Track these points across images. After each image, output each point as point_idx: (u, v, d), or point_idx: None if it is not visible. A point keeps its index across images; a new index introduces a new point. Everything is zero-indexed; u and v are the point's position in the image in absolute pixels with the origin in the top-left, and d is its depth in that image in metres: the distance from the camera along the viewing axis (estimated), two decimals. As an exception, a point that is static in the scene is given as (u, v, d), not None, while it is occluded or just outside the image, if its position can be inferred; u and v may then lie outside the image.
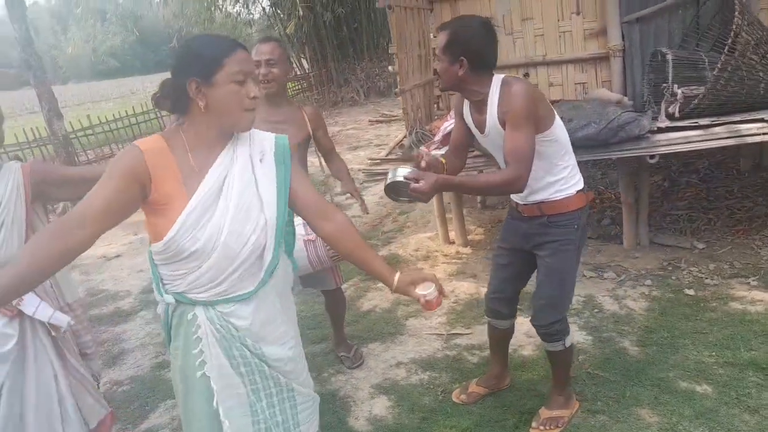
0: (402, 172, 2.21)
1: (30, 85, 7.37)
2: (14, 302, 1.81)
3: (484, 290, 3.93)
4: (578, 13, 4.17)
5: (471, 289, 4.03)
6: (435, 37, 4.64)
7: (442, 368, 3.16)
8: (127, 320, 4.32)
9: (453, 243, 4.78)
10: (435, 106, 4.57)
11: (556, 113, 2.34)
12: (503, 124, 2.24)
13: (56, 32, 52.88)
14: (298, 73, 14.65)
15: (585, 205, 2.42)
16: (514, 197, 2.52)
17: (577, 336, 3.29)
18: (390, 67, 4.03)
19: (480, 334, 3.47)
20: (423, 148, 3.33)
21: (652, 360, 2.98)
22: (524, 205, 2.47)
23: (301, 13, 12.06)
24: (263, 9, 14.84)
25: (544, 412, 2.63)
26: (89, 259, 5.87)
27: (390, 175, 2.22)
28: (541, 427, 2.59)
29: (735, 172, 5.38)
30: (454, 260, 4.52)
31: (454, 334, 3.49)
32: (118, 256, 5.90)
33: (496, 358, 2.92)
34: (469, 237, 4.83)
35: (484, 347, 3.32)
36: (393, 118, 10.26)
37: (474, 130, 2.45)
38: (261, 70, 2.67)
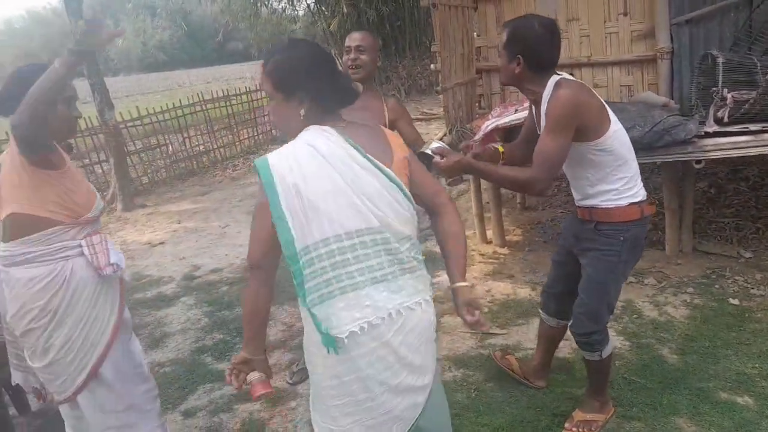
0: (433, 146, 2.33)
1: (83, 76, 7.60)
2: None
3: (520, 291, 3.99)
4: (626, 14, 4.11)
5: (507, 289, 4.02)
6: (478, 36, 4.64)
7: (476, 367, 3.17)
8: (170, 305, 4.44)
9: (490, 242, 4.76)
10: (477, 104, 4.56)
11: (613, 123, 2.27)
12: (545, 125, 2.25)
13: (107, 26, 54.44)
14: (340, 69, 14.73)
15: (638, 218, 2.32)
16: (575, 196, 2.50)
17: (614, 341, 3.24)
18: (432, 65, 4.04)
19: (515, 334, 3.46)
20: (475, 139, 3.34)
21: (691, 369, 2.93)
22: (578, 207, 2.47)
23: (345, 10, 12.13)
24: (308, 5, 14.97)
25: (578, 415, 2.62)
26: (135, 245, 6.06)
27: (424, 147, 2.35)
28: (574, 429, 2.57)
29: (787, 181, 5.21)
30: (491, 260, 4.51)
31: (488, 333, 3.48)
32: (162, 243, 6.06)
33: (538, 352, 2.93)
34: (507, 237, 4.81)
35: (519, 348, 3.32)
36: (433, 117, 10.26)
37: (537, 127, 2.45)
38: (351, 56, 2.82)
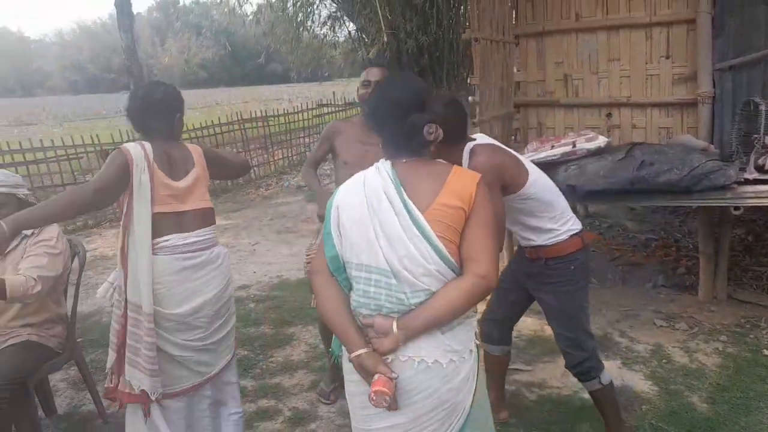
0: None
1: (129, 90, 7.85)
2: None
3: (547, 328, 3.91)
4: (668, 57, 4.11)
5: (534, 325, 3.97)
6: (518, 71, 4.68)
7: (504, 405, 3.12)
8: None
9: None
10: (512, 138, 4.58)
11: (531, 172, 2.37)
12: None
13: (154, 43, 56.43)
14: (377, 96, 14.93)
15: (582, 247, 2.45)
16: (519, 240, 2.59)
17: (642, 385, 3.20)
18: (470, 98, 4.08)
19: (540, 371, 3.43)
20: None
21: (722, 419, 2.85)
22: (526, 248, 2.56)
23: (385, 39, 12.31)
24: (349, 33, 15.25)
25: None
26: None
27: None
28: None
29: (826, 232, 5.09)
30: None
31: (514, 369, 3.44)
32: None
33: (491, 385, 2.88)
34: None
35: (545, 386, 3.28)
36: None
37: None
38: (369, 90, 2.83)
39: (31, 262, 2.62)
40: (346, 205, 1.70)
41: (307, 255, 3.00)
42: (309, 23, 15.54)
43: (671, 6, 4.05)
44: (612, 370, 3.35)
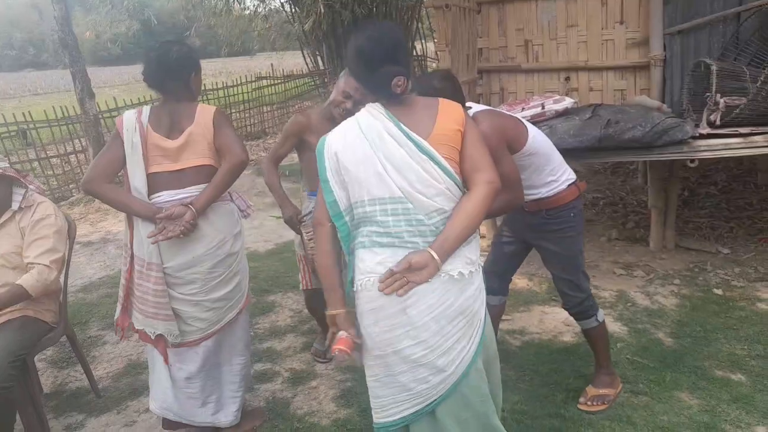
0: None
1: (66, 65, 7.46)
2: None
3: (518, 281, 4.17)
4: (622, 23, 4.36)
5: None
6: (480, 37, 4.83)
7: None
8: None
9: (483, 237, 4.94)
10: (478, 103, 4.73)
11: (529, 129, 2.54)
12: None
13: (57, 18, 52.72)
14: (312, 69, 14.79)
15: (579, 195, 2.65)
16: None
17: (613, 326, 3.47)
18: (434, 64, 4.19)
19: (519, 320, 3.65)
20: None
21: (687, 350, 3.16)
22: (526, 202, 2.66)
23: (322, 10, 12.17)
24: (281, 4, 14.94)
25: (591, 390, 2.81)
26: (121, 234, 5.99)
27: None
28: (589, 403, 2.76)
29: (753, 186, 5.59)
30: (486, 253, 4.67)
31: (495, 319, 3.65)
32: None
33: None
34: (500, 232, 5.01)
35: (525, 332, 3.50)
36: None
37: None
38: (346, 103, 2.73)
39: (38, 248, 2.59)
40: (346, 148, 1.80)
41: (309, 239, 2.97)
42: (239, -6, 15.16)
43: (622, -26, 4.30)
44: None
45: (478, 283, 1.83)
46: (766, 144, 3.49)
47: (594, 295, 3.79)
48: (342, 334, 1.79)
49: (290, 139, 3.01)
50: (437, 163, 1.74)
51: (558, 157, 2.64)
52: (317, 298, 3.20)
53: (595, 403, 2.76)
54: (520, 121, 2.57)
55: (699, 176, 6.01)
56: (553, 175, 2.59)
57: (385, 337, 1.77)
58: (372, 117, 1.81)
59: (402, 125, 1.77)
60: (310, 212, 3.05)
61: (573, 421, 2.66)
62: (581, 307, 2.72)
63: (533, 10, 4.56)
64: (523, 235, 2.79)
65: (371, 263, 1.76)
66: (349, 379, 3.13)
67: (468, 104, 2.51)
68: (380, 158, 1.75)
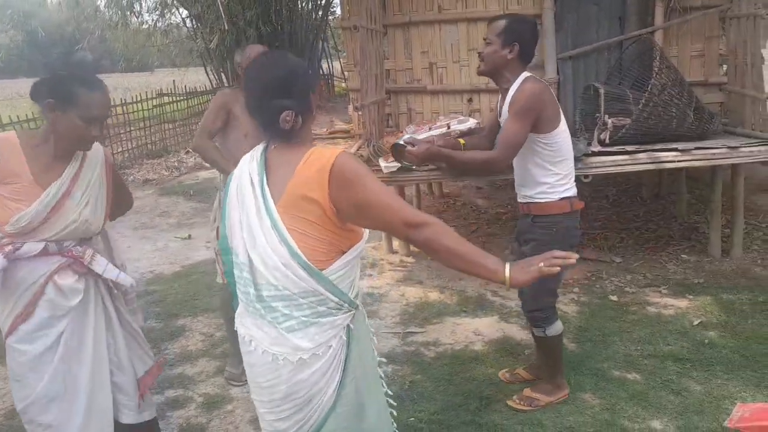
0: (405, 137, 2.77)
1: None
2: (86, 261, 2.09)
3: (430, 294, 4.30)
4: (519, 48, 4.63)
5: (419, 293, 4.30)
6: (387, 59, 4.95)
7: (403, 362, 3.39)
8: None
9: (396, 252, 5.04)
10: (386, 123, 4.85)
11: (562, 123, 2.64)
12: (509, 112, 2.59)
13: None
14: (216, 85, 14.49)
15: (568, 212, 2.66)
16: (517, 193, 2.84)
17: (520, 334, 3.64)
18: (344, 84, 4.27)
19: (433, 332, 3.74)
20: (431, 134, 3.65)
21: (588, 354, 3.37)
22: (519, 203, 2.82)
23: (225, 27, 12.02)
24: (183, 20, 14.58)
25: (527, 391, 2.95)
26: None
27: (398, 138, 2.74)
28: (517, 401, 2.91)
29: (639, 199, 6.08)
30: (399, 268, 4.78)
31: (409, 332, 3.73)
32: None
33: (537, 349, 3.14)
34: (412, 247, 5.12)
35: (439, 343, 3.59)
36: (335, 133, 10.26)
37: (498, 117, 2.80)
38: None
39: None
40: (231, 189, 1.70)
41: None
42: (137, 7, 14.67)
43: (520, 2, 4.58)
44: (492, 324, 3.79)
45: (320, 365, 1.60)
46: (649, 161, 3.82)
47: (501, 305, 4.03)
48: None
49: (221, 113, 3.00)
50: (279, 232, 1.54)
51: (569, 166, 2.66)
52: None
53: (522, 403, 2.90)
54: (561, 113, 2.63)
55: (591, 191, 6.44)
56: (555, 178, 2.61)
57: (251, 384, 1.75)
58: (249, 159, 1.67)
59: (264, 178, 1.60)
60: None
61: (488, 428, 2.76)
62: (532, 315, 2.83)
63: (437, 33, 4.75)
64: (517, 238, 2.89)
65: (237, 311, 1.75)
66: (266, 400, 3.07)
67: (524, 73, 2.59)
68: (240, 211, 1.62)
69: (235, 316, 1.76)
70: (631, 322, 3.70)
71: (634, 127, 3.86)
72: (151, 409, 2.41)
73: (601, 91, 3.86)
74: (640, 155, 3.85)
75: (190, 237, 5.99)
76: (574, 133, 4.26)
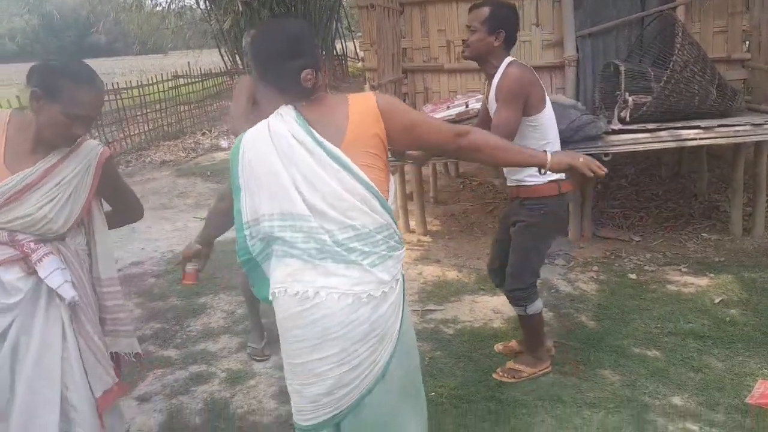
0: None
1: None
2: (33, 260, 1.88)
3: (448, 273, 4.31)
4: (537, 25, 4.59)
5: (437, 272, 4.32)
6: (403, 38, 4.92)
7: (423, 339, 3.41)
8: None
9: (413, 231, 5.06)
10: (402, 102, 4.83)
11: (547, 105, 2.68)
12: (496, 99, 2.59)
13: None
14: (230, 67, 14.51)
15: (556, 194, 2.67)
16: (506, 179, 2.85)
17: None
18: (360, 63, 4.25)
19: (451, 310, 3.76)
20: None
21: (607, 331, 3.38)
22: (509, 187, 2.84)
23: (239, 8, 12.00)
24: (196, 2, 14.57)
25: (510, 363, 3.02)
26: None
27: None
28: (501, 373, 2.97)
29: (658, 178, 6.03)
30: (416, 247, 4.80)
31: (428, 309, 3.76)
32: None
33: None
34: (429, 226, 5.14)
35: (457, 321, 3.62)
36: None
37: (487, 104, 2.80)
38: None
39: None
40: (257, 157, 1.69)
41: None
42: (151, -11, 14.69)
43: (538, -21, 4.53)
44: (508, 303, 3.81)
45: (394, 299, 1.72)
46: (670, 139, 3.79)
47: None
48: (190, 267, 2.01)
49: (248, 97, 2.99)
50: (351, 173, 1.62)
51: (557, 148, 2.66)
52: None
53: (505, 375, 2.96)
54: (545, 94, 2.66)
55: (610, 170, 6.37)
56: None
57: (295, 347, 1.71)
58: (281, 122, 1.69)
59: (312, 130, 1.65)
60: None
61: (508, 403, 2.79)
62: (513, 294, 2.87)
63: (454, 11, 4.71)
64: (505, 221, 2.90)
65: (282, 274, 1.69)
66: (289, 376, 3.12)
67: (508, 58, 2.60)
68: (289, 170, 1.63)
69: (283, 278, 1.69)
70: (650, 300, 3.70)
71: (655, 104, 3.82)
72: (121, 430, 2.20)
73: (622, 68, 3.82)
74: (662, 133, 3.82)
75: (208, 217, 6.04)
76: (593, 112, 4.25)
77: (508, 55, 2.64)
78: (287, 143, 1.65)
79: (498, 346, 3.26)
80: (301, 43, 1.70)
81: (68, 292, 1.93)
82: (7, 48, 50.42)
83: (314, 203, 1.62)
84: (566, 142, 3.82)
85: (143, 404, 2.98)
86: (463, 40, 2.70)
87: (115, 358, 2.19)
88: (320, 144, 1.63)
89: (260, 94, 3.05)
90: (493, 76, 2.64)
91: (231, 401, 2.95)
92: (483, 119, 2.94)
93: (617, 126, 3.86)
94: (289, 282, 1.67)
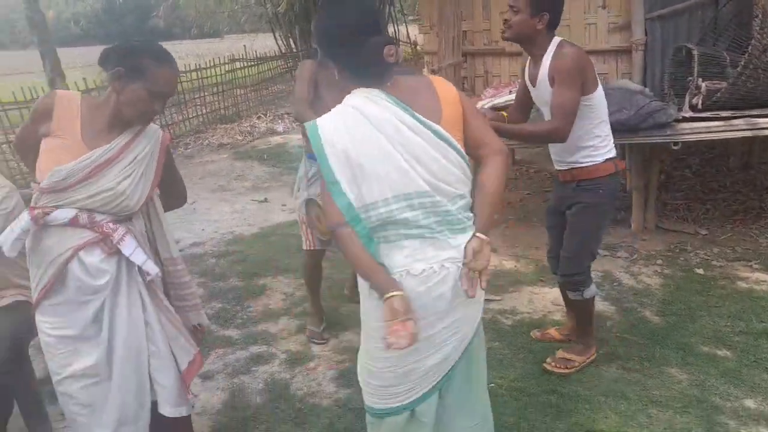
0: None
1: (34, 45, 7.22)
2: (115, 240, 1.95)
3: (506, 263, 4.25)
4: (604, 8, 4.43)
5: (494, 261, 4.26)
6: (464, 21, 4.84)
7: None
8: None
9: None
10: (462, 86, 4.77)
11: (600, 84, 2.62)
12: (551, 80, 2.53)
13: (15, -5, 50.76)
14: (285, 51, 14.62)
15: (613, 172, 2.66)
16: (555, 165, 2.82)
17: (600, 305, 3.56)
18: (418, 47, 4.20)
19: (509, 300, 3.71)
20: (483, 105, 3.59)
21: (673, 327, 3.27)
22: (560, 170, 2.78)
23: (294, -9, 12.04)
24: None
25: (560, 353, 2.97)
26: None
27: None
28: (553, 363, 2.92)
29: (725, 169, 5.76)
30: (473, 235, 4.74)
31: (486, 299, 3.69)
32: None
33: (569, 312, 3.19)
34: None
35: (516, 312, 3.57)
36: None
37: (528, 84, 2.74)
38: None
39: None
40: (358, 144, 1.66)
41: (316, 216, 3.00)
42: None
43: (605, -41, 4.37)
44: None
45: None
46: (746, 127, 3.61)
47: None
48: (402, 319, 1.60)
49: (310, 83, 3.01)
50: (454, 148, 1.69)
51: (608, 128, 2.67)
52: (318, 259, 3.36)
53: (558, 365, 2.92)
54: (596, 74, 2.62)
55: (673, 159, 6.16)
56: (597, 140, 2.61)
57: (421, 324, 1.69)
58: (377, 106, 1.67)
59: (415, 112, 1.67)
60: (314, 175, 3.10)
61: (569, 397, 2.74)
62: (571, 279, 2.82)
63: (518, -7, 4.58)
64: (558, 207, 2.85)
65: (400, 257, 1.70)
66: (347, 359, 3.15)
67: (556, 38, 2.55)
68: (401, 152, 1.64)
69: (403, 261, 1.70)
70: (719, 297, 3.55)
71: (729, 91, 3.64)
72: (188, 405, 2.26)
73: (695, 52, 3.65)
74: (737, 121, 3.64)
75: (266, 200, 6.14)
76: (662, 98, 4.08)
77: (554, 35, 2.56)
78: (393, 126, 1.65)
79: (535, 333, 3.24)
80: (379, 18, 1.70)
81: (153, 268, 2.03)
82: (71, 32, 52.20)
83: (429, 179, 1.66)
84: (634, 129, 3.70)
85: (206, 381, 3.06)
86: (504, 20, 2.60)
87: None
88: (425, 124, 1.67)
89: (323, 77, 3.04)
90: (540, 57, 2.57)
91: (291, 383, 3.00)
92: (520, 100, 2.88)
93: (688, 113, 3.70)
94: (410, 263, 1.70)
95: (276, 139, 9.18)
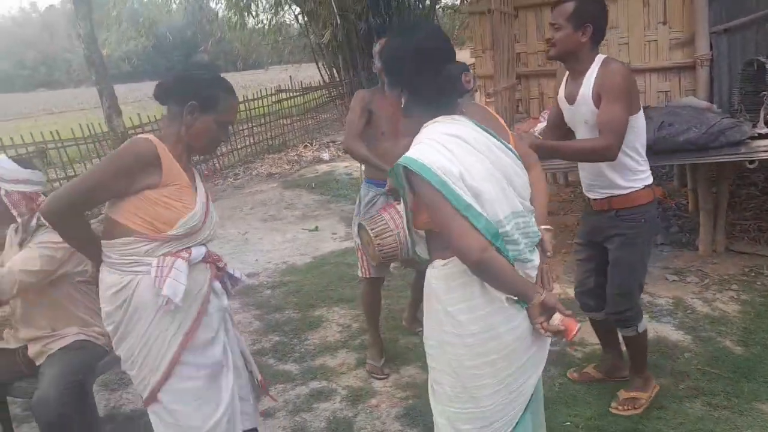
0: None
1: (92, 82, 7.47)
2: (222, 263, 2.12)
3: (569, 290, 4.05)
4: (665, 23, 4.27)
5: (556, 288, 4.10)
6: (518, 42, 4.75)
7: (550, 362, 3.16)
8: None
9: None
10: (516, 108, 4.67)
11: (641, 105, 2.50)
12: (596, 98, 2.40)
13: (70, 36, 53.29)
14: (328, 81, 14.80)
15: (653, 200, 2.55)
16: (586, 192, 2.68)
17: (675, 335, 3.36)
18: (471, 71, 4.12)
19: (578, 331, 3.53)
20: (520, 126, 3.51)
21: (759, 359, 3.05)
22: (594, 200, 2.62)
23: (338, 21, 12.21)
24: (295, 17, 15.01)
25: (623, 393, 2.78)
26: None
27: None
28: (620, 407, 2.73)
29: (796, 186, 5.47)
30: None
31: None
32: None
33: (605, 347, 3.03)
34: (543, 240, 4.91)
35: (585, 344, 3.40)
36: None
37: (562, 103, 2.61)
38: None
39: (20, 256, 2.38)
40: (469, 168, 1.64)
41: (371, 229, 2.90)
42: (253, 7, 15.27)
43: (667, -26, 4.22)
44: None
45: None
46: (827, 142, 3.39)
47: (650, 303, 3.75)
48: (558, 318, 1.67)
49: (363, 113, 3.05)
50: (522, 168, 1.78)
51: (644, 150, 2.55)
52: (377, 288, 3.31)
53: (626, 407, 2.74)
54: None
55: (736, 177, 5.88)
56: (636, 166, 2.49)
57: (521, 347, 1.76)
58: (474, 131, 1.70)
59: (498, 136, 1.74)
60: (370, 200, 3.12)
61: (653, 436, 2.56)
62: (622, 316, 2.66)
63: (572, 13, 4.48)
64: (596, 241, 2.70)
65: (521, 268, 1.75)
66: (410, 396, 3.04)
67: (600, 55, 2.45)
68: (501, 172, 1.71)
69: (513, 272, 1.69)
70: (807, 324, 3.31)
71: (808, 105, 3.43)
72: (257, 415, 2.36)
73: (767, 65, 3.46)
74: (816, 136, 3.42)
75: (317, 229, 6.11)
76: (731, 115, 3.89)
77: (598, 51, 2.45)
78: (489, 149, 1.70)
79: (572, 374, 3.06)
80: (450, 48, 1.72)
81: (242, 275, 2.24)
82: (121, 69, 54.35)
83: (519, 198, 1.74)
84: (704, 148, 3.52)
85: (268, 420, 2.98)
86: (547, 39, 2.51)
87: None
88: (508, 146, 1.74)
89: (378, 106, 3.03)
90: (581, 73, 2.46)
91: (354, 421, 2.90)
92: (554, 121, 2.76)
93: (764, 130, 3.49)
94: (522, 274, 1.72)
95: (322, 167, 9.22)
